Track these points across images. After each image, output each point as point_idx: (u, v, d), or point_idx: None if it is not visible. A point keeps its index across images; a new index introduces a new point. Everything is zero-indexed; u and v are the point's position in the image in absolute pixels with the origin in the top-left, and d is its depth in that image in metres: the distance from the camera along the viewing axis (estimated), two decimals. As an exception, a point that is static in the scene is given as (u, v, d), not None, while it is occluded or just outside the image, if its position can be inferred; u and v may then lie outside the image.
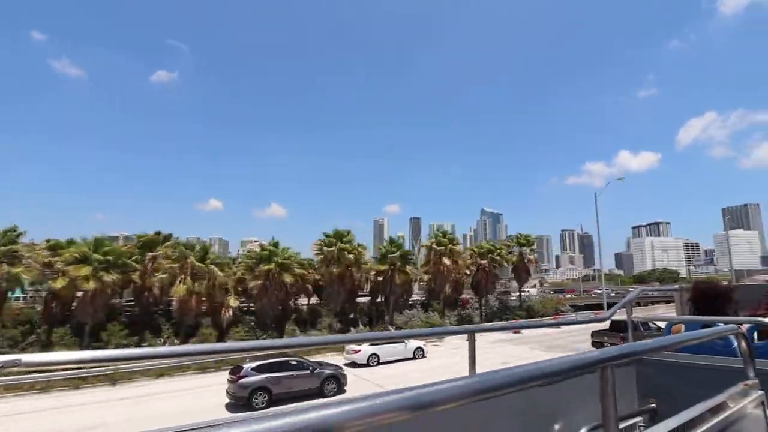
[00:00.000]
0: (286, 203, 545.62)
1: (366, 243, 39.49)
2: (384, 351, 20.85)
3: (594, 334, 19.96)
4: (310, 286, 35.67)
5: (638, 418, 1.98)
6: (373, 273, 37.88)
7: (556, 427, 1.94)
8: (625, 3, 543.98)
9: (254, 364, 14.78)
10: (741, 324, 1.89)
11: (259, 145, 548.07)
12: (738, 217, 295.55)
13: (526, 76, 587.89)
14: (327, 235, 37.13)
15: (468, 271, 41.06)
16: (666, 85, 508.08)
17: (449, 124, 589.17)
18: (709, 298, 2.37)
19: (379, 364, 20.52)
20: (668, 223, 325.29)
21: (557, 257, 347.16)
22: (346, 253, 34.92)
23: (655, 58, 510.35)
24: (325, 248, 35.43)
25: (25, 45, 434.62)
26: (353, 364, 20.34)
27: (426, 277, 39.73)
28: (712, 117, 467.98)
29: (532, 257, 44.55)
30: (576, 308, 51.33)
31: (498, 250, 42.20)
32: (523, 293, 75.39)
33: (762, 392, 1.50)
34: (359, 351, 20.45)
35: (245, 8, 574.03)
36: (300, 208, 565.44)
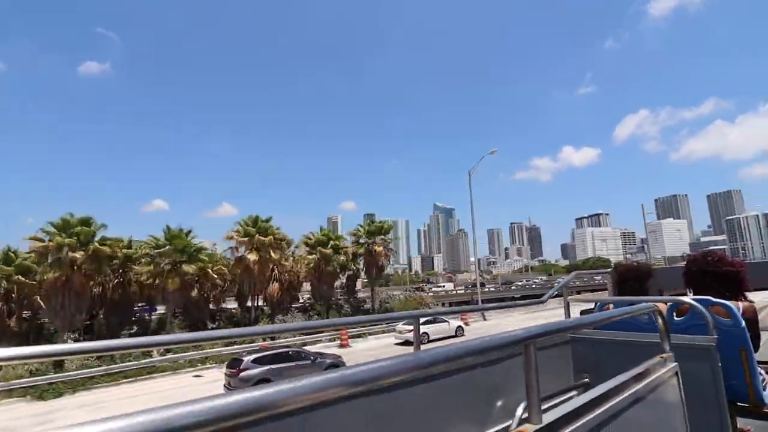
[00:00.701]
0: (237, 202, 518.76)
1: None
2: (433, 329, 23.36)
3: None
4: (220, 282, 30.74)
5: (573, 392, 2.15)
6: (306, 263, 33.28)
7: (498, 403, 2.05)
8: (563, 3, 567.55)
9: (254, 357, 14.91)
10: (662, 303, 2.13)
11: (203, 142, 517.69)
12: (668, 207, 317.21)
13: (472, 74, 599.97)
14: (242, 223, 31.24)
15: (304, 268, 33.59)
16: (603, 83, 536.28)
17: (402, 121, 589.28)
18: (630, 279, 2.66)
19: (429, 341, 21.72)
20: (607, 214, 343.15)
21: (506, 249, 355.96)
22: (265, 240, 29.72)
23: (592, 57, 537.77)
24: (239, 238, 30.14)
25: None
26: (406, 343, 22.70)
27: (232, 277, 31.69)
28: (645, 114, 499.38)
29: (379, 248, 35.06)
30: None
31: (333, 241, 34.32)
32: (438, 288, 70.20)
33: (676, 363, 1.65)
34: (412, 330, 17.93)
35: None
36: (253, 207, 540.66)
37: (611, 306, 2.53)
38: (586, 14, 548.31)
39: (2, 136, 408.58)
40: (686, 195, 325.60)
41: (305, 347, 19.89)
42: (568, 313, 3.04)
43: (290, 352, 15.96)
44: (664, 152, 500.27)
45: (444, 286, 72.56)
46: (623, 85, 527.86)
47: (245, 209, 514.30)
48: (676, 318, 2.23)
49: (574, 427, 1.06)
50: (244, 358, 14.68)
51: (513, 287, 71.32)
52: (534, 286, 72.50)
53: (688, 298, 2.12)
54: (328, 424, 1.45)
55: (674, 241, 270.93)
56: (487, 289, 64.56)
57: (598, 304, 2.69)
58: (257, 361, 14.59)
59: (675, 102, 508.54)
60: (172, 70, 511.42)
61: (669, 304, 2.25)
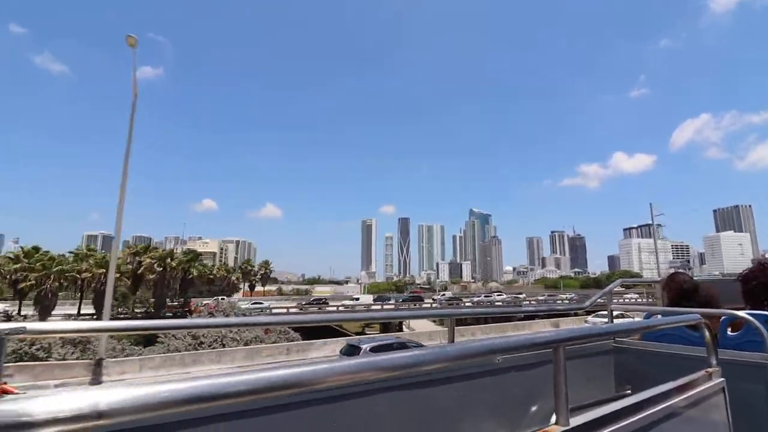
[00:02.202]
0: (281, 203, 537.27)
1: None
2: None
3: None
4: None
5: (611, 403, 2.05)
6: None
7: (533, 408, 2.05)
8: (611, 1, 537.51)
9: (370, 345, 15.74)
10: (713, 316, 2.08)
11: (250, 144, 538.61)
12: (729, 219, 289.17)
13: (514, 77, 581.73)
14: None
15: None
16: (658, 85, 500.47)
17: (443, 125, 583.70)
18: (681, 290, 2.53)
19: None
20: (660, 225, 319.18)
21: (543, 259, 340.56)
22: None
23: (646, 57, 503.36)
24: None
25: (3, 38, 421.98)
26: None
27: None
28: (706, 118, 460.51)
29: (195, 273, 45.95)
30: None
31: (150, 253, 44.20)
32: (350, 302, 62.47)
33: (722, 379, 1.57)
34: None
35: (231, 3, 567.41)
36: (295, 208, 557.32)
37: (659, 317, 2.40)
38: (638, 11, 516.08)
39: (67, 136, 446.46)
40: (750, 206, 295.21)
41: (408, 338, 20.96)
42: (611, 321, 2.87)
43: (398, 342, 16.55)
44: (727, 160, 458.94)
45: (359, 299, 61.81)
46: (681, 88, 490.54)
47: (288, 210, 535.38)
48: (730, 333, 2.13)
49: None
50: (362, 346, 15.89)
51: (468, 302, 61.23)
52: (481, 300, 63.99)
53: (744, 313, 1.98)
54: (362, 413, 1.50)
55: (734, 256, 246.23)
56: (430, 303, 56.46)
57: (646, 314, 2.59)
58: (374, 350, 15.32)
59: (740, 105, 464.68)
60: (219, 73, 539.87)
61: (722, 318, 2.16)
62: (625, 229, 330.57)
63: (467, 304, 55.81)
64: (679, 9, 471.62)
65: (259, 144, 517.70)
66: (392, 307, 48.13)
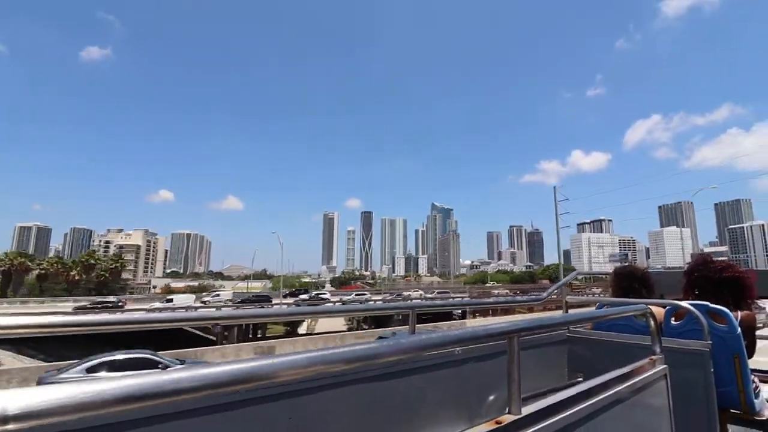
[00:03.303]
0: (243, 194, 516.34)
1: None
2: None
3: None
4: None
5: (563, 391, 2.12)
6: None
7: (490, 398, 2.09)
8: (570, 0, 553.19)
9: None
10: (660, 306, 2.22)
11: (207, 132, 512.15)
12: (672, 215, 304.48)
13: (475, 71, 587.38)
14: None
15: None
16: (613, 84, 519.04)
17: (407, 117, 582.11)
18: (627, 281, 2.68)
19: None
20: (610, 220, 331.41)
21: (500, 252, 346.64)
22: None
23: (603, 57, 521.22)
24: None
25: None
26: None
27: None
28: (656, 119, 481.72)
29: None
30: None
31: None
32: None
33: (665, 366, 1.67)
34: None
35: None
36: (257, 200, 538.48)
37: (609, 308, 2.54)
38: (596, 12, 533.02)
39: (6, 117, 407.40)
40: (691, 203, 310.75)
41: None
42: (566, 312, 3.01)
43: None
44: (675, 159, 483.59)
45: (219, 295, 56.98)
46: (635, 88, 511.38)
47: (251, 202, 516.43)
48: (673, 322, 2.25)
49: (553, 420, 1.07)
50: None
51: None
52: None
53: (686, 303, 2.13)
54: (319, 408, 1.49)
55: (676, 250, 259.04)
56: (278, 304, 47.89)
57: (598, 305, 2.71)
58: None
59: (688, 107, 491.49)
60: (171, 58, 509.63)
61: (667, 307, 2.28)
62: (578, 224, 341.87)
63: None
64: (634, 11, 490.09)
65: (219, 132, 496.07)
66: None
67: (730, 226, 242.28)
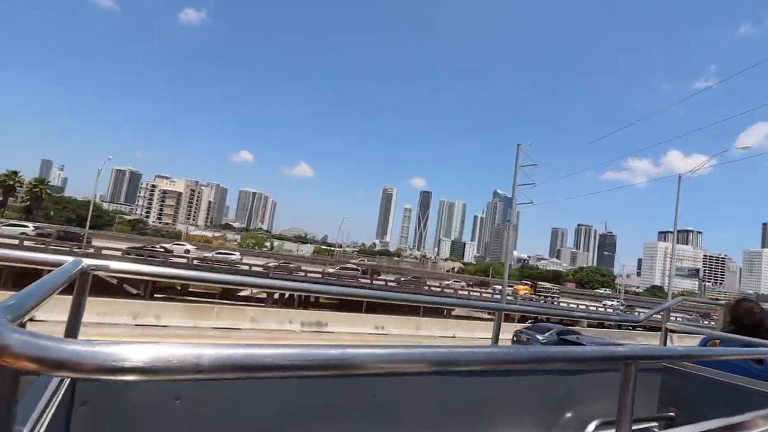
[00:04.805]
0: (314, 163, 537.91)
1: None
2: None
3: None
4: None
5: (654, 423, 2.09)
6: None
7: (568, 414, 2.00)
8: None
9: (557, 329, 15.91)
10: None
11: (289, 99, 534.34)
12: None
13: (563, 55, 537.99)
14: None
15: None
16: (730, 78, 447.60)
17: (490, 101, 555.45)
18: (752, 318, 2.30)
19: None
20: (700, 232, 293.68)
21: (558, 251, 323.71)
22: None
23: (719, 44, 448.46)
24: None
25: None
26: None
27: None
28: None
29: None
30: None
31: None
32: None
33: None
34: None
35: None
36: (327, 168, 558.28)
37: (718, 343, 2.28)
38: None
39: (124, 77, 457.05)
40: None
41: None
42: (664, 340, 2.81)
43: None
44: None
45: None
46: (756, 83, 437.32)
47: (321, 170, 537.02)
48: None
49: None
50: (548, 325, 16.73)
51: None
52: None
53: None
54: (399, 392, 1.57)
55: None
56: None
57: (704, 338, 2.47)
58: (560, 334, 15.30)
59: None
60: (261, 24, 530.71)
61: None
62: (660, 233, 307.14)
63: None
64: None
65: (299, 99, 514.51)
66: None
67: None
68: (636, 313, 40.87)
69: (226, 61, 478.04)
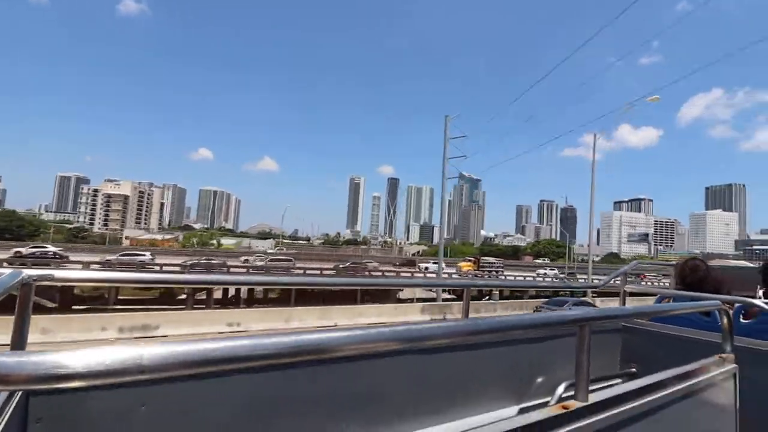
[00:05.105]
0: (278, 157, 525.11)
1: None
2: None
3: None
4: None
5: (618, 380, 2.17)
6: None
7: (539, 380, 2.10)
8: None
9: (573, 301, 17.04)
10: (729, 303, 2.05)
11: (244, 92, 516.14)
12: (721, 198, 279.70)
13: (511, 34, 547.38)
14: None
15: None
16: (671, 53, 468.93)
17: (447, 82, 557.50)
18: (692, 274, 2.56)
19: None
20: (651, 200, 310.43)
21: (523, 227, 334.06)
22: None
23: (660, 21, 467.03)
24: None
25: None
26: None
27: None
28: (718, 94, 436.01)
29: None
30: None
31: None
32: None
33: (735, 366, 1.61)
34: None
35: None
36: (290, 163, 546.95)
37: (671, 300, 2.48)
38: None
39: (52, 69, 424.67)
40: (743, 185, 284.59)
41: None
42: (623, 302, 3.00)
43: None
44: (734, 139, 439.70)
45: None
46: (695, 58, 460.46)
47: (286, 164, 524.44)
48: (742, 321, 2.16)
49: (619, 410, 1.08)
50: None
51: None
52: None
53: (760, 301, 2.04)
54: (372, 376, 1.60)
55: (719, 236, 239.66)
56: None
57: (658, 296, 2.64)
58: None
59: (755, 82, 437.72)
60: (205, 13, 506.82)
61: (737, 305, 2.17)
62: (615, 202, 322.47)
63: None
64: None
65: (256, 92, 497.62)
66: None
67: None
68: (582, 279, 43.42)
69: (174, 55, 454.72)
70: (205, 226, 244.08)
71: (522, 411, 1.98)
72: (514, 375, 2.03)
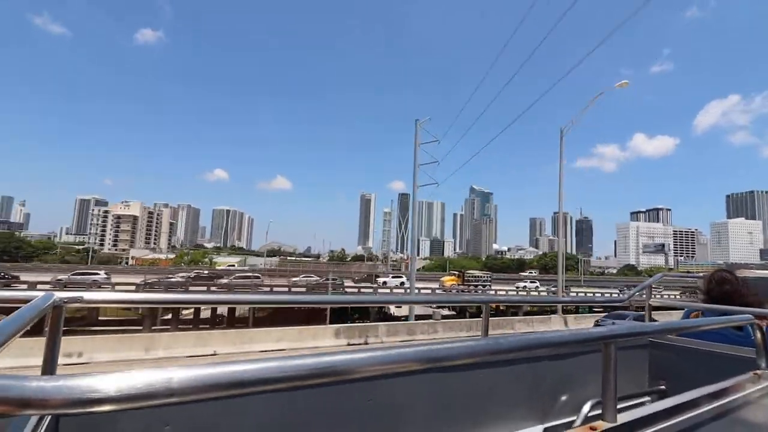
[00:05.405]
0: (291, 175, 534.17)
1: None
2: None
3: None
4: None
5: (646, 398, 2.15)
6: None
7: (562, 398, 2.05)
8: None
9: (633, 315, 15.57)
10: (763, 316, 1.99)
11: (256, 113, 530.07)
12: (743, 205, 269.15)
13: (520, 45, 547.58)
14: None
15: None
16: (683, 60, 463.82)
17: (452, 98, 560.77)
18: (725, 288, 2.39)
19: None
20: (669, 209, 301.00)
21: (537, 240, 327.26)
22: None
23: (670, 28, 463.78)
24: None
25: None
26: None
27: None
28: (735, 99, 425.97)
29: None
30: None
31: None
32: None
33: None
34: None
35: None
36: (303, 180, 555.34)
37: (700, 314, 2.37)
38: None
39: (78, 100, 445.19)
40: (766, 192, 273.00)
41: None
42: (649, 316, 2.88)
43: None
44: (754, 146, 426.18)
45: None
46: (708, 64, 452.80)
47: (299, 182, 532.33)
48: None
49: (650, 431, 1.05)
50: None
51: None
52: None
53: None
54: (393, 393, 1.59)
55: (743, 244, 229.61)
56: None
57: (686, 310, 2.57)
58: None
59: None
60: (220, 40, 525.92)
61: None
62: (632, 213, 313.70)
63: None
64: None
65: (270, 113, 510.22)
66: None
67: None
68: (580, 293, 40.86)
69: (192, 79, 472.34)
70: (218, 244, 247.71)
71: (547, 431, 1.93)
72: (537, 393, 1.98)
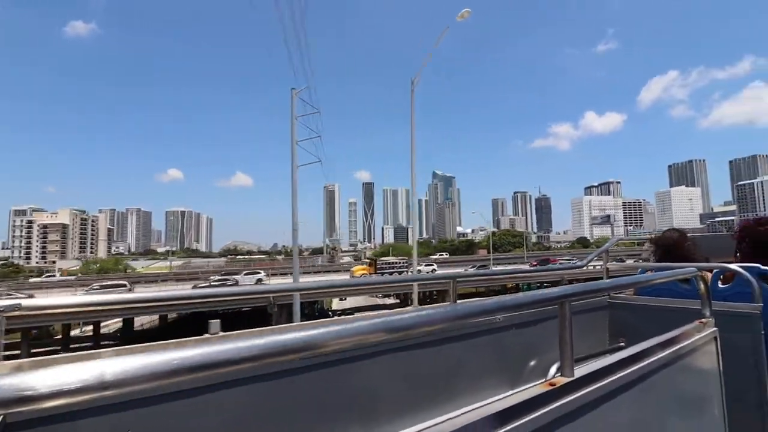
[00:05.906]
0: (250, 171, 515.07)
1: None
2: None
3: None
4: None
5: (607, 356, 2.20)
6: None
7: (531, 364, 2.13)
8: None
9: None
10: (707, 269, 2.13)
11: (211, 106, 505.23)
12: (683, 174, 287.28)
13: (472, 28, 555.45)
14: None
15: None
16: (627, 39, 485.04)
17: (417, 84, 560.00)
18: (671, 246, 2.65)
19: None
20: (619, 182, 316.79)
21: (497, 220, 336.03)
22: None
23: (613, 8, 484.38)
24: None
25: None
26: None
27: None
28: (673, 75, 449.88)
29: None
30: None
31: None
32: None
33: (715, 329, 1.66)
34: None
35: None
36: (263, 176, 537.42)
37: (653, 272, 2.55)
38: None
39: (18, 106, 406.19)
40: (703, 160, 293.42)
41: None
42: (607, 278, 3.03)
43: None
44: (692, 118, 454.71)
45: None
46: (649, 41, 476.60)
47: (260, 178, 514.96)
48: (720, 285, 2.22)
49: (605, 382, 1.09)
50: None
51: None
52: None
53: (735, 265, 2.08)
54: (367, 374, 1.61)
55: (684, 212, 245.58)
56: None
57: (640, 270, 2.66)
58: None
59: (708, 61, 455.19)
60: (153, 26, 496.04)
61: (714, 270, 2.24)
62: (586, 188, 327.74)
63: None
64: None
65: (223, 107, 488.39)
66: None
67: (739, 183, 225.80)
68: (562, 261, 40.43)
69: (134, 75, 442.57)
70: (173, 248, 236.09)
71: (515, 395, 1.83)
72: (506, 362, 2.04)
